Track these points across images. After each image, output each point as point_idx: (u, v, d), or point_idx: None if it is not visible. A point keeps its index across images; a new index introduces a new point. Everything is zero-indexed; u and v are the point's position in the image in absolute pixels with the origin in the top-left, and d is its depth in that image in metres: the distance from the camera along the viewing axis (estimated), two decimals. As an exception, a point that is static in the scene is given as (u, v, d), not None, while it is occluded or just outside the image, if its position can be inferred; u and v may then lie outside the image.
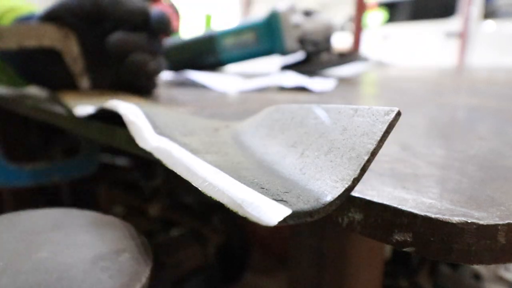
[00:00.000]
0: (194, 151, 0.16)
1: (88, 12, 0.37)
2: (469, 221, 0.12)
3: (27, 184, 0.53)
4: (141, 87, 0.40)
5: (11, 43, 0.36)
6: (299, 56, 0.70)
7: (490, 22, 3.23)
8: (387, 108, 0.12)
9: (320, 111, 0.15)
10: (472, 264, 0.12)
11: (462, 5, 3.24)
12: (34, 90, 0.44)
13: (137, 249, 0.16)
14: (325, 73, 0.73)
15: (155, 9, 0.38)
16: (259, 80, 0.53)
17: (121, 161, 0.68)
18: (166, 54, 0.65)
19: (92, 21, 0.38)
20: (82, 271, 0.13)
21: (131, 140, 0.19)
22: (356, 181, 0.12)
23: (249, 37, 0.66)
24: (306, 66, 0.68)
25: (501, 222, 0.12)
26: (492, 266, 0.58)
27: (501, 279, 0.57)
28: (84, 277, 0.13)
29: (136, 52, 0.37)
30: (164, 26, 0.38)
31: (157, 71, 0.39)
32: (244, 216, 0.11)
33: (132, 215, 0.64)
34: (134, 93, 0.40)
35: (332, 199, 0.11)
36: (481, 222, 0.12)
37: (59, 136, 0.65)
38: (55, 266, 0.13)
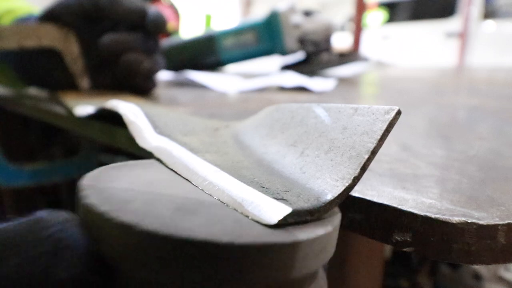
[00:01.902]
0: (194, 151, 0.16)
1: (87, 11, 0.37)
2: (469, 221, 0.12)
3: (27, 184, 0.53)
4: (140, 86, 0.40)
5: (11, 43, 0.36)
6: (299, 56, 0.70)
7: (490, 22, 3.23)
8: (387, 107, 0.12)
9: (320, 110, 0.15)
10: (472, 264, 0.12)
11: (462, 5, 3.24)
12: (34, 91, 0.44)
13: None
14: (325, 73, 0.73)
15: (151, 8, 0.38)
16: (259, 80, 0.53)
17: (121, 161, 0.68)
18: (166, 54, 0.65)
19: (91, 20, 0.38)
20: None
21: (131, 140, 0.19)
22: (356, 180, 0.12)
23: (249, 37, 0.66)
24: (306, 66, 0.68)
25: (501, 222, 0.12)
26: (492, 266, 0.58)
27: (501, 279, 0.57)
28: None
29: (129, 52, 0.37)
30: (159, 26, 0.38)
31: (153, 70, 0.39)
32: (245, 215, 0.11)
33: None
34: (133, 93, 0.40)
35: (332, 198, 0.11)
36: (481, 222, 0.11)
37: (59, 136, 0.65)
38: None
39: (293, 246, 0.10)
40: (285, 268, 0.10)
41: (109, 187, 0.12)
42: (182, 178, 0.14)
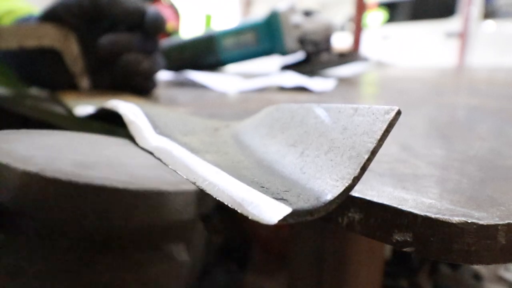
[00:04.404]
0: (194, 151, 0.16)
1: (87, 11, 0.37)
2: (469, 221, 0.12)
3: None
4: (139, 87, 0.40)
5: (11, 43, 0.36)
6: (299, 56, 0.70)
7: (490, 22, 3.23)
8: (387, 107, 0.12)
9: (320, 111, 0.15)
10: (472, 264, 0.12)
11: (462, 5, 3.24)
12: (34, 91, 0.44)
13: None
14: (325, 73, 0.73)
15: (150, 8, 0.38)
16: (259, 80, 0.53)
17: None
18: (166, 54, 0.65)
19: (91, 20, 0.38)
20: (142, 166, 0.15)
21: (131, 140, 0.19)
22: (356, 180, 0.12)
23: (249, 37, 0.66)
24: (306, 66, 0.68)
25: (501, 222, 0.12)
26: (492, 266, 0.58)
27: (501, 279, 0.57)
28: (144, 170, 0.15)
29: (128, 53, 0.37)
30: (158, 26, 0.38)
31: (152, 71, 0.39)
32: (245, 214, 0.11)
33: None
34: (133, 93, 0.40)
35: (332, 198, 0.11)
36: (481, 222, 0.11)
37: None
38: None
39: (176, 193, 0.13)
40: (169, 212, 0.12)
41: (9, 147, 0.14)
42: (78, 143, 0.16)
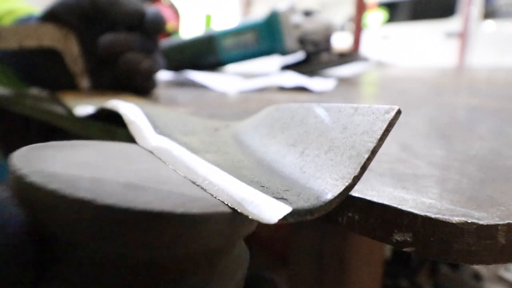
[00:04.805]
0: (194, 151, 0.16)
1: (87, 11, 0.37)
2: (469, 221, 0.12)
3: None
4: (139, 86, 0.40)
5: (12, 43, 0.36)
6: (299, 56, 0.70)
7: (490, 22, 3.23)
8: (387, 107, 0.12)
9: (320, 110, 0.15)
10: (472, 264, 0.12)
11: (462, 5, 3.24)
12: (34, 91, 0.44)
13: None
14: (325, 73, 0.73)
15: (150, 9, 0.38)
16: (259, 80, 0.53)
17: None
18: (166, 54, 0.65)
19: (91, 20, 0.38)
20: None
21: (131, 140, 0.19)
22: (356, 179, 0.12)
23: (249, 37, 0.66)
24: (306, 66, 0.68)
25: (501, 222, 0.12)
26: (492, 266, 0.58)
27: (501, 279, 0.57)
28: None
29: (128, 52, 0.37)
30: (158, 26, 0.38)
31: (152, 70, 0.39)
32: (245, 214, 0.11)
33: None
34: (133, 93, 0.40)
35: (332, 197, 0.11)
36: (481, 222, 0.11)
37: (59, 136, 0.65)
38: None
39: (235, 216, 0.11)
40: (223, 235, 0.12)
41: (48, 167, 0.12)
42: (111, 157, 0.15)
